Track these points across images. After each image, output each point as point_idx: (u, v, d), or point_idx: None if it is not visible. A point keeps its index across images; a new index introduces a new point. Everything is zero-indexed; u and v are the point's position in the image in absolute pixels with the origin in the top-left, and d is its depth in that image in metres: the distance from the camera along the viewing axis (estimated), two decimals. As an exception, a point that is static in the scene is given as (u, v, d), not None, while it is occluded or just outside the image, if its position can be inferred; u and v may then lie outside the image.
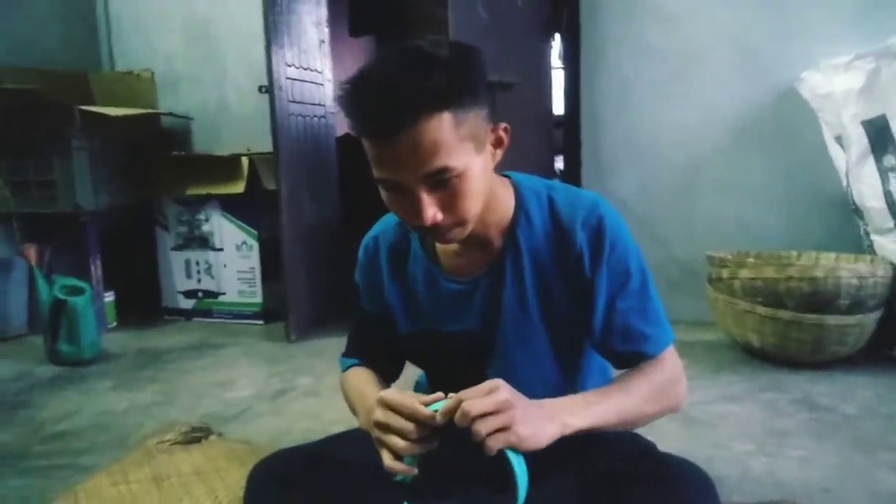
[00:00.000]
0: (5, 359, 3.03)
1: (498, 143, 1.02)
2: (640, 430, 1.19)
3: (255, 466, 1.12)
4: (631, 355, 1.08)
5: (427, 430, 0.91)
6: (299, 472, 1.07)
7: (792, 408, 2.17)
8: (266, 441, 2.01)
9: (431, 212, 0.94)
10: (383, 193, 0.99)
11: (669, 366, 1.08)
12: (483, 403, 0.86)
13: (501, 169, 1.16)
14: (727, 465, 1.78)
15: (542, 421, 0.91)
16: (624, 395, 1.02)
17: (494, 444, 0.85)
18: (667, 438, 1.15)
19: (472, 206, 0.98)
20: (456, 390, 1.26)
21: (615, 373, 1.16)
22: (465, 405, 0.86)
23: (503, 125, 1.02)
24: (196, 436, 2.06)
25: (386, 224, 1.22)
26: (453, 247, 1.12)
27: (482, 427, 0.85)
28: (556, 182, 1.14)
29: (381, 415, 0.93)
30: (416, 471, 0.93)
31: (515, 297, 1.10)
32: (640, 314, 1.07)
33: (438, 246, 1.15)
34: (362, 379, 1.19)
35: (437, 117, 0.88)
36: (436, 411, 0.90)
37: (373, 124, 0.91)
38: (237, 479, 1.70)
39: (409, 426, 0.91)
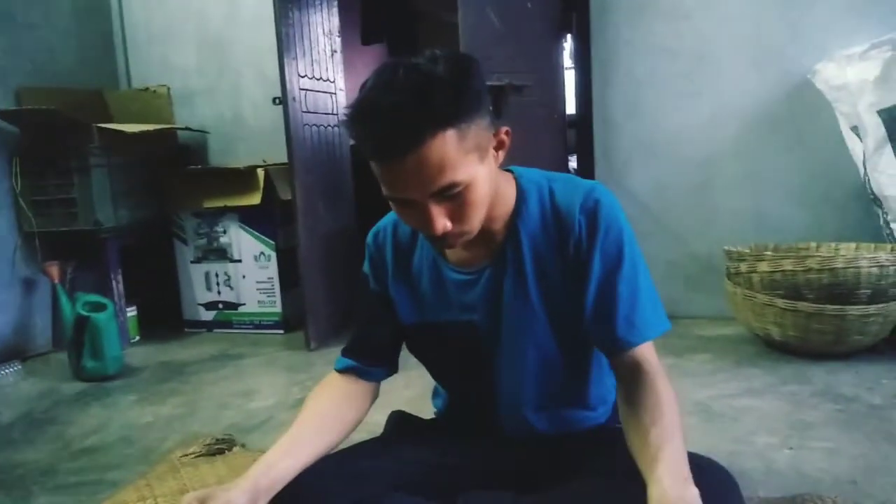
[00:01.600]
0: (32, 376, 3.08)
1: (500, 146, 1.04)
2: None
3: None
4: (614, 342, 1.06)
5: None
6: (319, 487, 1.08)
7: (815, 400, 2.15)
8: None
9: (441, 223, 0.97)
10: (394, 207, 1.02)
11: (655, 366, 1.05)
12: None
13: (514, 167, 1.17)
14: (751, 460, 1.76)
15: None
16: (674, 426, 0.98)
17: None
18: (688, 433, 1.14)
19: (480, 213, 1.01)
20: (459, 383, 1.27)
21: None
22: None
23: (504, 128, 1.04)
24: (220, 447, 2.07)
25: (394, 216, 1.23)
26: None
27: None
28: (558, 174, 1.16)
29: None
30: None
31: (515, 285, 1.12)
32: (629, 301, 1.06)
33: None
34: (311, 413, 1.17)
35: (441, 136, 0.90)
36: None
37: (378, 149, 0.93)
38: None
39: None
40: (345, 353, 1.25)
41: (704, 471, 1.00)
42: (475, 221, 1.01)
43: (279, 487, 1.03)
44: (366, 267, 1.26)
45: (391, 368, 1.27)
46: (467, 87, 0.93)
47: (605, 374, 1.22)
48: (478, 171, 0.97)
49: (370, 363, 1.23)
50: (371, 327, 1.25)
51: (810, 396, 2.18)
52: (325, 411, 1.18)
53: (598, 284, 1.06)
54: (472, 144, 0.94)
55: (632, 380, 1.04)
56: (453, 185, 0.94)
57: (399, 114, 0.89)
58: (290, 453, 1.07)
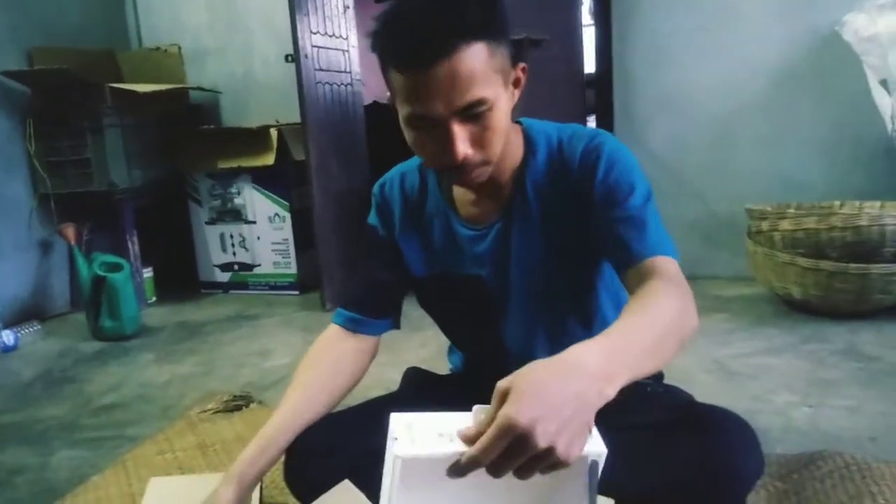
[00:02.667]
0: (51, 336, 3.11)
1: (517, 84, 1.02)
2: (676, 382, 1.16)
3: None
4: (629, 254, 0.98)
5: None
6: (334, 440, 1.08)
7: (836, 358, 2.13)
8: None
9: (463, 147, 0.94)
10: (410, 133, 0.98)
11: (681, 278, 0.94)
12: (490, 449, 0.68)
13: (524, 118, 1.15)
14: (770, 418, 1.74)
15: (578, 397, 0.71)
16: (652, 325, 0.82)
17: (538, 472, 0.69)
18: (705, 391, 1.13)
19: (499, 141, 0.98)
20: (469, 337, 1.25)
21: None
22: (472, 457, 0.69)
23: (522, 65, 1.02)
24: (237, 404, 2.09)
25: (404, 168, 1.22)
26: (468, 194, 1.12)
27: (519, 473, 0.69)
28: (568, 125, 1.13)
29: None
30: None
31: (523, 239, 1.10)
32: (642, 222, 0.99)
33: (455, 192, 1.15)
34: (299, 388, 1.13)
35: (474, 47, 0.89)
36: None
37: (410, 54, 0.90)
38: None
39: None
40: (346, 307, 1.21)
41: (723, 422, 0.99)
42: (494, 150, 0.98)
43: (267, 471, 1.09)
44: (372, 218, 1.24)
45: (394, 322, 1.25)
46: (498, 4, 0.93)
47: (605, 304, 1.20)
48: (501, 94, 0.96)
49: (375, 315, 1.21)
50: (378, 278, 1.22)
51: (830, 355, 2.16)
52: (315, 383, 1.15)
53: (608, 212, 1.01)
54: (499, 65, 0.94)
55: (640, 285, 0.93)
56: (481, 101, 0.91)
57: (432, 19, 0.88)
58: (274, 440, 1.09)
